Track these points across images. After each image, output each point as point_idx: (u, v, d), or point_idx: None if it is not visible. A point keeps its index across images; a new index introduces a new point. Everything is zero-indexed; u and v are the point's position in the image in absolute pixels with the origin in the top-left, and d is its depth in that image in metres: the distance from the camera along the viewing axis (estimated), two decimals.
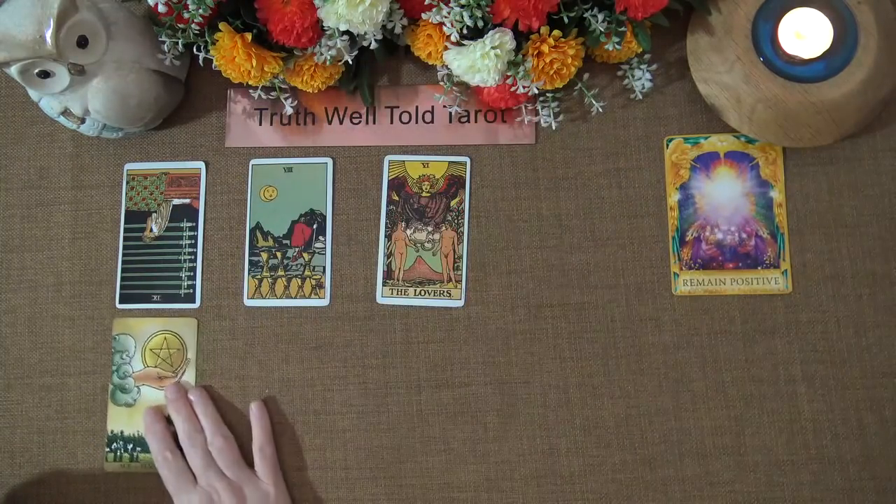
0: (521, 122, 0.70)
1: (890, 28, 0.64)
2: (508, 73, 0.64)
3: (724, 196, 0.68)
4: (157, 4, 0.62)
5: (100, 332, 0.70)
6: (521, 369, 0.68)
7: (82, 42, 0.63)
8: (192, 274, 0.70)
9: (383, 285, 0.69)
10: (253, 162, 0.72)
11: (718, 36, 0.66)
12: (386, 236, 0.70)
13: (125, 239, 0.71)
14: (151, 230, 0.71)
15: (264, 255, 0.70)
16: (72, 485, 0.69)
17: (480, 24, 0.62)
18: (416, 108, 0.71)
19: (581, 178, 0.70)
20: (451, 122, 0.71)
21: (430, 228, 0.70)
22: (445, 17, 0.62)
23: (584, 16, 0.63)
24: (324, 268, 0.70)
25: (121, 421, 0.69)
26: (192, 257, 0.71)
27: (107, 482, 0.68)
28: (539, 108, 0.68)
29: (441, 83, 0.68)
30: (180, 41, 0.65)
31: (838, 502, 0.65)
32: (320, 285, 0.70)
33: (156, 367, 0.69)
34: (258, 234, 0.71)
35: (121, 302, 0.70)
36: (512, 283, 0.69)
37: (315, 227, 0.70)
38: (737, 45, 0.65)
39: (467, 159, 0.70)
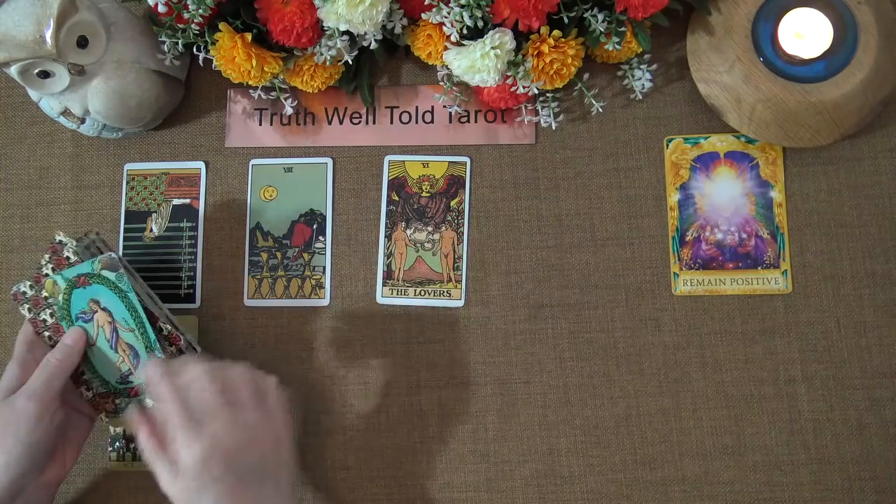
0: (521, 122, 0.70)
1: (890, 28, 0.64)
2: (508, 73, 0.64)
3: (724, 196, 0.68)
4: (157, 4, 0.62)
5: None
6: (521, 369, 0.68)
7: (82, 42, 0.63)
8: (192, 274, 0.70)
9: (383, 285, 0.69)
10: (253, 162, 0.72)
11: (718, 36, 0.66)
12: (386, 236, 0.70)
13: (125, 239, 0.71)
14: (151, 230, 0.71)
15: (264, 255, 0.70)
16: (71, 484, 0.69)
17: (480, 24, 0.62)
18: (416, 108, 0.71)
19: (581, 178, 0.70)
20: (451, 122, 0.71)
21: (430, 228, 0.70)
22: (445, 17, 0.62)
23: (584, 16, 0.63)
24: (324, 268, 0.70)
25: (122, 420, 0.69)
26: (192, 257, 0.71)
27: (107, 482, 0.69)
28: (539, 108, 0.68)
29: (441, 83, 0.68)
30: (180, 41, 0.65)
31: (838, 502, 0.65)
32: (320, 285, 0.70)
33: None
34: (258, 234, 0.71)
35: None
36: (512, 283, 0.69)
37: (315, 227, 0.70)
38: (737, 45, 0.64)
39: (467, 159, 0.70)
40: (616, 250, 0.69)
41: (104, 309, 0.61)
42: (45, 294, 0.62)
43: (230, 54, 0.63)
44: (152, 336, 0.60)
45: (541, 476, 0.66)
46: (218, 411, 0.54)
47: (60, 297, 0.62)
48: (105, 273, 0.61)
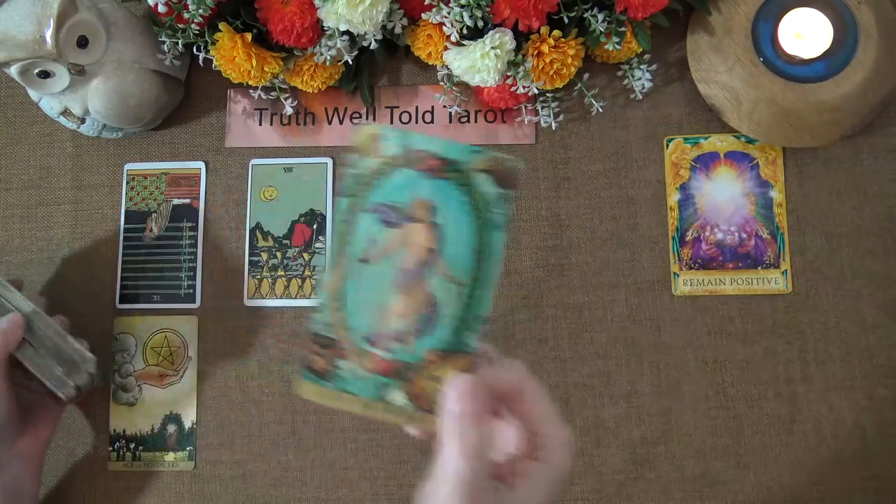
0: (521, 122, 0.70)
1: (890, 28, 0.64)
2: (508, 73, 0.64)
3: (724, 196, 0.68)
4: (157, 4, 0.62)
5: (100, 332, 0.70)
6: None
7: (82, 42, 0.63)
8: (192, 274, 0.70)
9: None
10: (253, 162, 0.72)
11: (718, 36, 0.66)
12: None
13: (125, 239, 0.71)
14: (151, 230, 0.71)
15: (264, 255, 0.70)
16: (72, 484, 0.69)
17: (480, 24, 0.62)
18: (416, 108, 0.71)
19: (581, 178, 0.70)
20: (451, 122, 0.71)
21: None
22: (445, 17, 0.62)
23: (584, 16, 0.63)
24: (324, 268, 0.70)
25: (123, 420, 0.69)
26: (192, 257, 0.71)
27: (107, 482, 0.69)
28: (539, 108, 0.68)
29: (441, 83, 0.68)
30: (180, 41, 0.65)
31: (838, 502, 0.65)
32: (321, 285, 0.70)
33: (157, 365, 0.69)
34: (258, 234, 0.71)
35: (121, 302, 0.70)
36: (512, 283, 0.69)
37: (315, 227, 0.70)
38: (737, 45, 0.64)
39: None
40: (616, 250, 0.69)
41: (431, 223, 0.37)
42: (358, 143, 0.38)
43: (230, 54, 0.63)
44: (487, 305, 0.38)
45: None
46: None
47: (370, 164, 0.38)
48: (479, 177, 0.37)
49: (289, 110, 0.69)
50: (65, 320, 0.64)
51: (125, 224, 0.72)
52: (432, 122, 0.71)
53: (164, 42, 0.65)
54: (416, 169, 0.37)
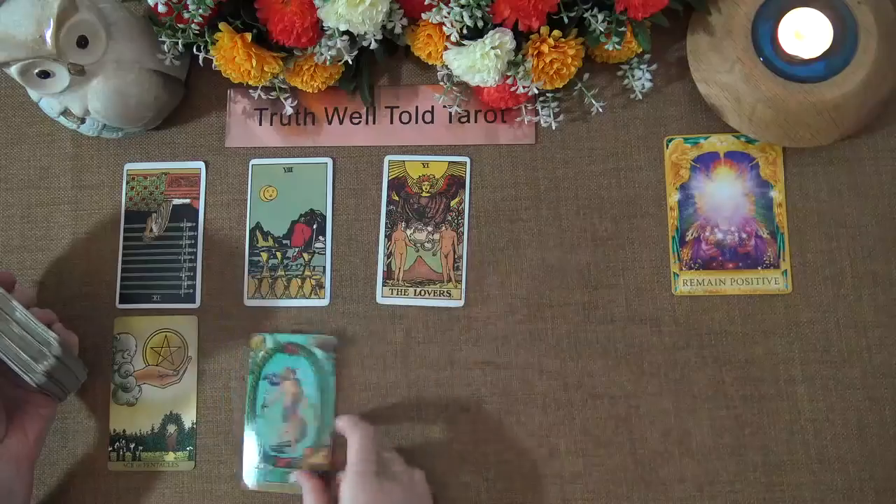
0: (521, 122, 0.70)
1: (890, 28, 0.64)
2: (508, 73, 0.64)
3: (724, 196, 0.68)
4: (157, 4, 0.62)
5: (100, 332, 0.70)
6: (521, 369, 0.68)
7: (82, 42, 0.63)
8: (192, 274, 0.70)
9: (383, 285, 0.69)
10: (253, 162, 0.72)
11: (718, 36, 0.66)
12: (386, 236, 0.70)
13: (125, 239, 0.71)
14: (151, 230, 0.71)
15: (264, 255, 0.70)
16: (72, 485, 0.69)
17: (480, 24, 0.62)
18: (416, 108, 0.71)
19: (581, 178, 0.70)
20: (451, 122, 0.71)
21: (430, 228, 0.70)
22: (445, 17, 0.62)
23: (584, 16, 0.63)
24: (324, 268, 0.70)
25: (123, 420, 0.69)
26: (192, 257, 0.71)
27: (107, 482, 0.69)
28: (539, 108, 0.68)
29: (441, 83, 0.68)
30: (180, 41, 0.65)
31: (838, 502, 0.65)
32: (320, 285, 0.70)
33: (157, 365, 0.69)
34: (258, 234, 0.71)
35: (121, 302, 0.70)
36: (512, 283, 0.69)
37: (315, 227, 0.70)
38: (737, 45, 0.64)
39: (467, 159, 0.70)
40: (616, 250, 0.69)
41: (296, 380, 0.67)
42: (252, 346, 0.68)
43: (230, 54, 0.63)
44: (329, 420, 0.67)
45: (541, 476, 0.66)
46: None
47: (261, 354, 0.68)
48: (316, 351, 0.67)
49: (289, 110, 0.70)
50: (31, 295, 0.61)
51: (125, 224, 0.72)
52: (432, 121, 0.71)
53: (164, 42, 0.65)
54: (286, 353, 0.68)
